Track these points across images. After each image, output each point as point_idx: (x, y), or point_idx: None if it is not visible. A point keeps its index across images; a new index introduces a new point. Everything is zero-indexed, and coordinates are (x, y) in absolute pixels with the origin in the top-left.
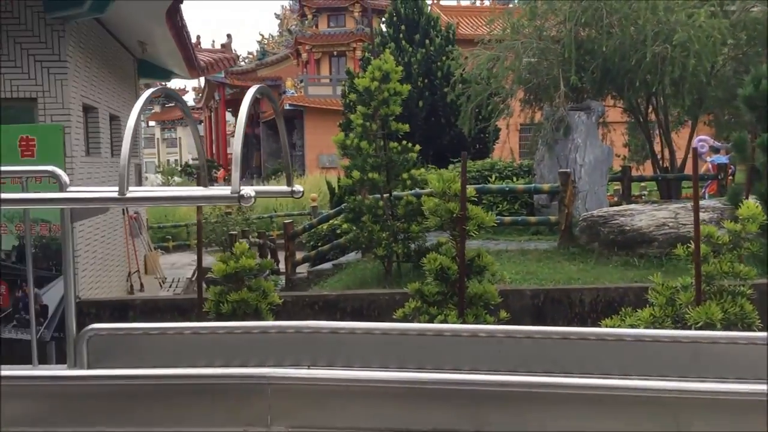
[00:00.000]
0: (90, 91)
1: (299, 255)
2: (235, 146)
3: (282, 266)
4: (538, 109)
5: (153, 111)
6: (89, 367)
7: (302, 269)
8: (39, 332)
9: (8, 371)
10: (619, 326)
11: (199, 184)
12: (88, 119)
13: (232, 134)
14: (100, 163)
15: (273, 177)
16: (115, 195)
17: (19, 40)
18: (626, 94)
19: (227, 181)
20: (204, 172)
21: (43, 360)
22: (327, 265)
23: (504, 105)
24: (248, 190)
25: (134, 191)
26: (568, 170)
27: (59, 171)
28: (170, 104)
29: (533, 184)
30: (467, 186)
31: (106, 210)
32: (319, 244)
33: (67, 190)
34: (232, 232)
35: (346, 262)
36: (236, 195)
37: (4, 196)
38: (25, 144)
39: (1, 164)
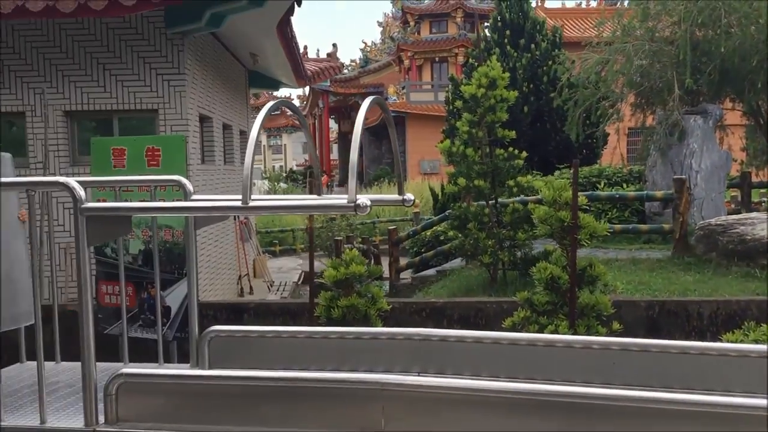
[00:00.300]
0: (205, 101)
1: (403, 261)
2: (352, 155)
3: (385, 272)
4: (650, 113)
5: None
6: (210, 367)
7: (406, 275)
8: (162, 332)
9: (139, 369)
10: (741, 341)
11: (311, 192)
12: (204, 129)
13: (335, 141)
14: (214, 170)
15: (375, 183)
16: (239, 204)
17: (142, 54)
18: (746, 96)
19: (330, 187)
20: (318, 180)
21: (166, 359)
22: (431, 272)
23: (613, 109)
24: (364, 200)
25: (256, 200)
26: (683, 176)
27: (184, 180)
28: (276, 112)
29: (645, 191)
30: (578, 194)
31: (227, 217)
32: (423, 250)
33: (191, 198)
34: (337, 238)
35: (450, 268)
36: (353, 204)
37: (139, 204)
38: (151, 154)
39: (130, 174)
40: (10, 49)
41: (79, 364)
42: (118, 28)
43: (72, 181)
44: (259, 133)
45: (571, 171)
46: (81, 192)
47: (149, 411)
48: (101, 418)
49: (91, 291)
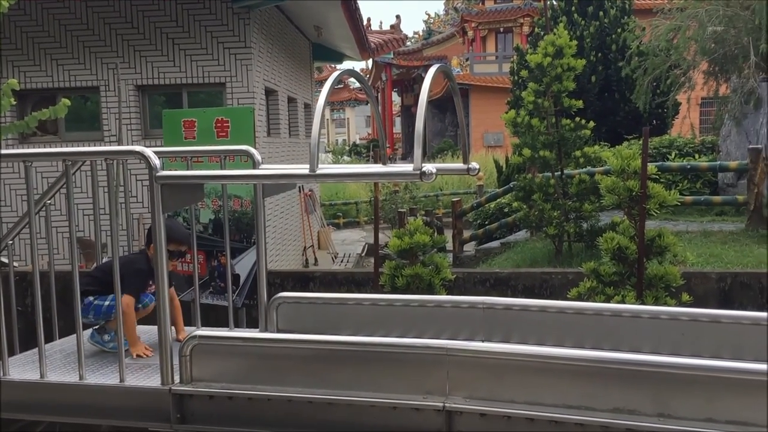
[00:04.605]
0: (271, 75)
1: (466, 233)
2: (417, 125)
3: (449, 244)
4: (724, 81)
5: None
6: (278, 332)
7: (469, 247)
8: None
9: (212, 332)
10: None
11: (376, 162)
12: (269, 102)
13: (398, 114)
14: (280, 143)
15: (438, 156)
16: (306, 172)
17: (209, 29)
18: None
19: (393, 160)
20: (383, 150)
21: (235, 324)
22: (494, 244)
23: (685, 78)
24: (430, 168)
25: (323, 168)
26: (759, 146)
27: (253, 150)
28: (339, 86)
29: (718, 162)
30: (647, 164)
31: (294, 186)
32: (486, 222)
33: (260, 167)
34: (400, 210)
35: (514, 240)
36: (418, 172)
37: (211, 172)
38: (221, 125)
39: (200, 145)
40: (84, 25)
41: (152, 327)
42: (186, 3)
43: (148, 150)
44: (326, 103)
45: (641, 141)
46: (156, 160)
47: (221, 371)
48: (176, 378)
49: (166, 258)
